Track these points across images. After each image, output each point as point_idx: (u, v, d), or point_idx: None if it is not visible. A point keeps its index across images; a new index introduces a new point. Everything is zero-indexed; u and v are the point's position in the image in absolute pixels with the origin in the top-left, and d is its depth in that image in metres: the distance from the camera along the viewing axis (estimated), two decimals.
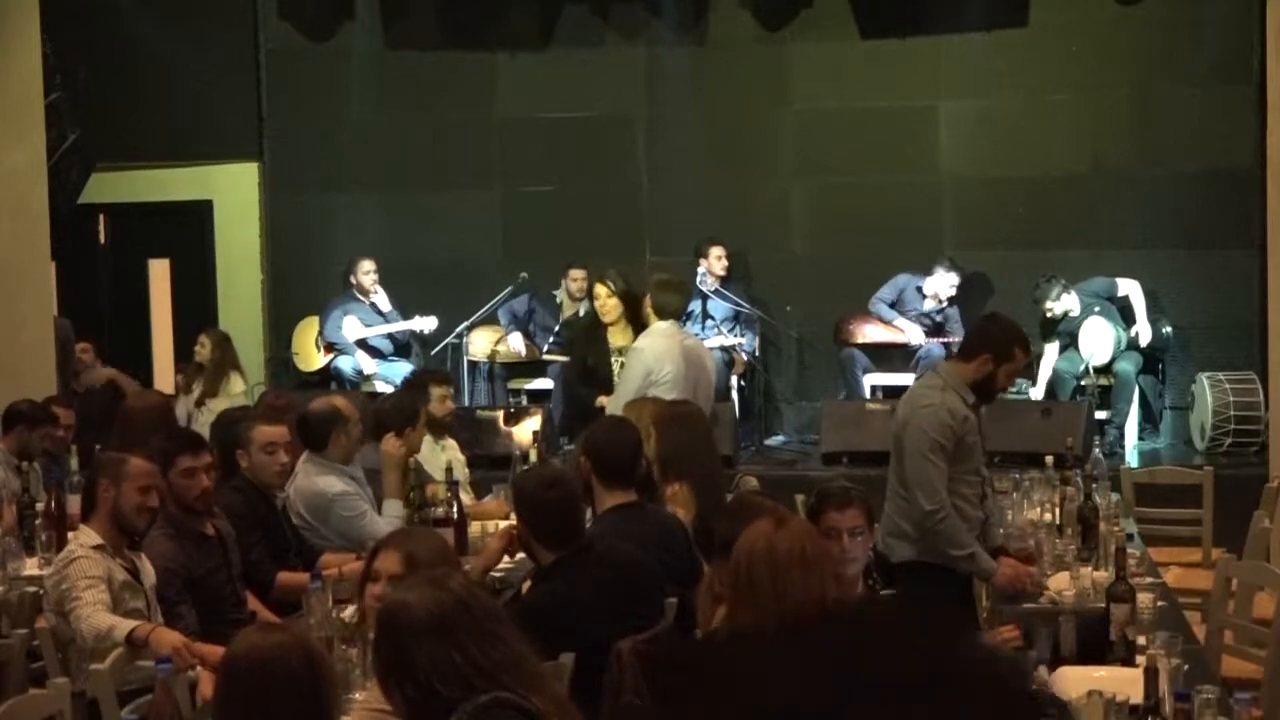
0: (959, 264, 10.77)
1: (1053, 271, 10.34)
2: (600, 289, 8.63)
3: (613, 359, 8.49)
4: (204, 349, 10.07)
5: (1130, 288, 10.37)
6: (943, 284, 10.70)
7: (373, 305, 11.10)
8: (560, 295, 11.20)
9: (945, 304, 10.72)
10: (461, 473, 6.76)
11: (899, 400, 5.78)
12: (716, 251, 10.92)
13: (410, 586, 3.13)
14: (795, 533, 3.70)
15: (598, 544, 4.59)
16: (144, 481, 4.89)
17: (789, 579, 3.59)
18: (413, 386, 7.23)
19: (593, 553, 4.50)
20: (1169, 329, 10.49)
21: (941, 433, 5.18)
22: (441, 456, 6.94)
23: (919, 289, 10.78)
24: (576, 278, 10.97)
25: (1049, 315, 10.23)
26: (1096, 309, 10.24)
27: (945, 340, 10.53)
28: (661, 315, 7.38)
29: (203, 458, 5.24)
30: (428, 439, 6.83)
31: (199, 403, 9.81)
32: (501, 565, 5.69)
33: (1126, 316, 10.36)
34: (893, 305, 10.80)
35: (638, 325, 8.12)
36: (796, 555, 3.61)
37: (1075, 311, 10.22)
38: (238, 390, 9.92)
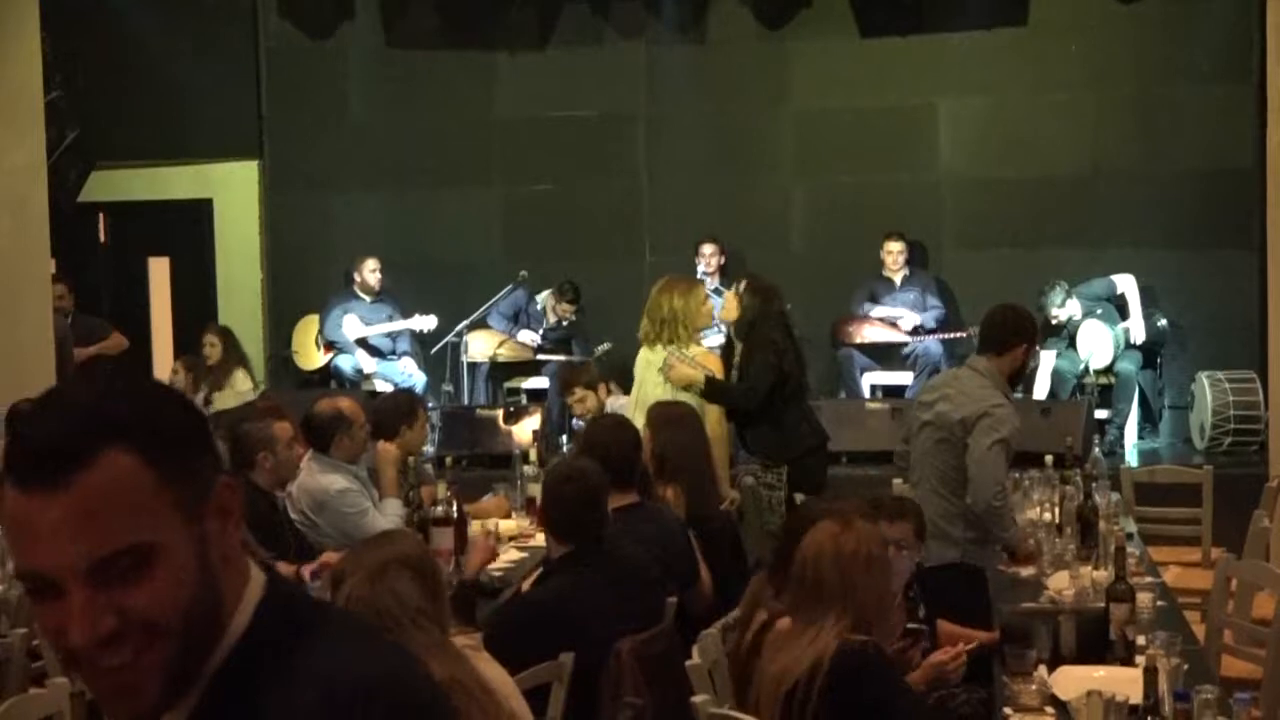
0: (896, 232, 10.84)
1: (1054, 274, 10.36)
2: (735, 286, 7.37)
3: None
4: (214, 348, 10.10)
5: (1126, 284, 10.38)
6: (891, 256, 10.80)
7: (379, 303, 11.10)
8: (542, 302, 11.19)
9: (905, 267, 10.81)
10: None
11: (934, 398, 5.72)
12: (709, 249, 10.95)
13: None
14: (861, 533, 3.70)
15: (602, 544, 4.60)
16: None
17: (855, 578, 3.58)
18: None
19: (599, 552, 4.51)
20: (1164, 322, 10.49)
21: (1012, 434, 5.41)
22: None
23: (879, 274, 10.89)
24: (567, 310, 11.04)
25: (1054, 322, 10.26)
26: (1098, 311, 10.25)
27: (944, 336, 10.55)
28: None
29: None
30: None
31: (206, 400, 9.82)
32: (501, 564, 5.69)
33: (1125, 315, 10.37)
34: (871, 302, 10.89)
35: (752, 331, 7.04)
36: (863, 556, 3.62)
37: (1078, 316, 10.25)
38: (245, 387, 9.94)
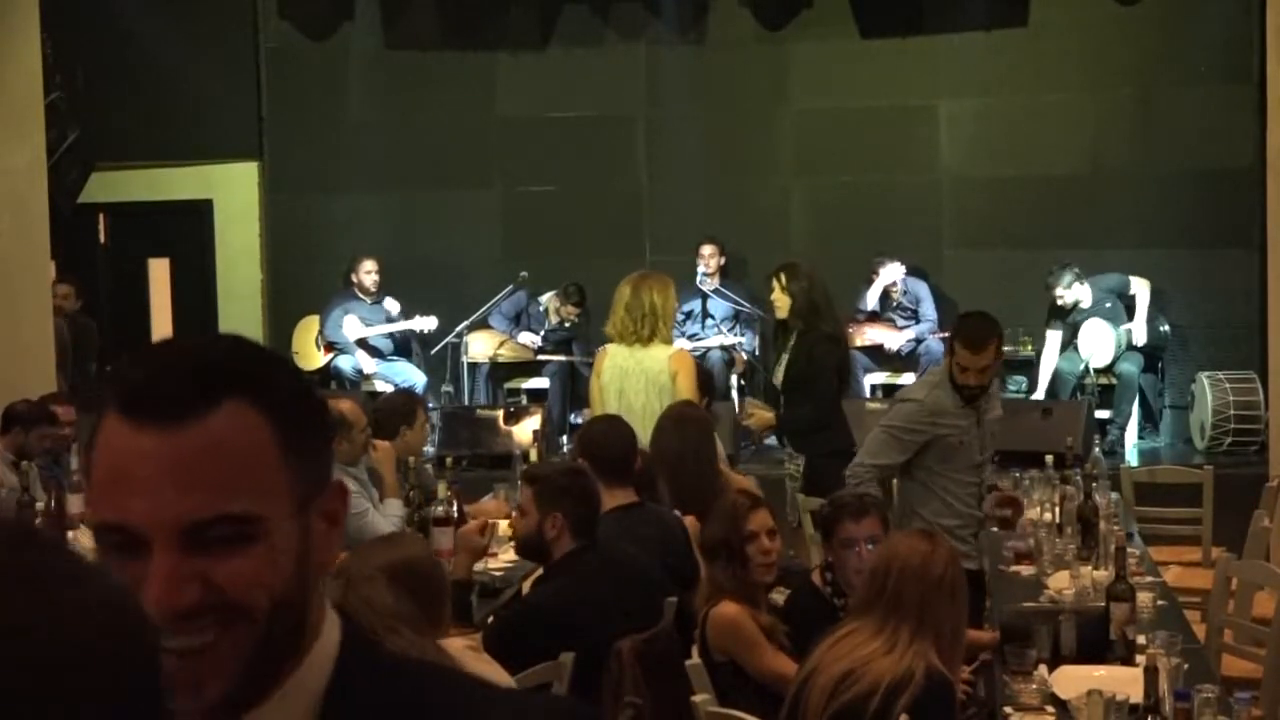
0: (889, 255, 10.80)
1: (1067, 260, 10.35)
2: (774, 282, 7.03)
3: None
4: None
5: (1139, 286, 10.39)
6: (891, 275, 10.75)
7: (378, 304, 11.10)
8: (545, 303, 11.19)
9: (904, 290, 10.79)
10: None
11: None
12: (708, 249, 10.95)
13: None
14: (949, 558, 3.69)
15: (600, 544, 4.59)
16: None
17: (936, 601, 3.57)
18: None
19: (596, 552, 4.50)
20: (1166, 327, 10.49)
21: (906, 422, 5.36)
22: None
23: (882, 292, 10.88)
24: (571, 313, 10.99)
25: (1059, 302, 10.25)
26: (1107, 304, 10.25)
27: (943, 336, 10.56)
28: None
29: None
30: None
31: None
32: (501, 564, 5.69)
33: (1131, 315, 10.37)
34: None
35: (810, 327, 6.85)
36: (948, 582, 3.62)
37: (1086, 303, 10.24)
38: None
